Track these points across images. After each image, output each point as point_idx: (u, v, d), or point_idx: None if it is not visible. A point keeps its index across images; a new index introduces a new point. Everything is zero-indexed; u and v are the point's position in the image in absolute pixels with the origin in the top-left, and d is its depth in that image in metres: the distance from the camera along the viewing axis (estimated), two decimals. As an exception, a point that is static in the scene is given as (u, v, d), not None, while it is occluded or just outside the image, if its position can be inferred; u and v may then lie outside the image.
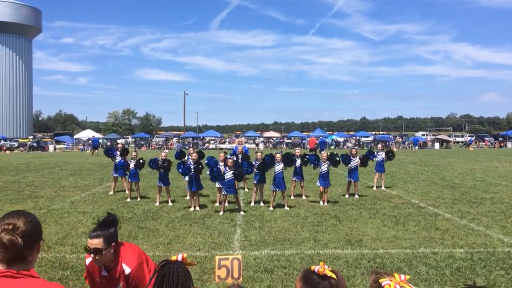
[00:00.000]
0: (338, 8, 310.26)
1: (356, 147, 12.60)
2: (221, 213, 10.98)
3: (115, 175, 14.60)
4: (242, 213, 10.99)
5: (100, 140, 63.00)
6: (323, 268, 1.98)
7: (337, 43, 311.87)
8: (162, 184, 12.47)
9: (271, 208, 11.57)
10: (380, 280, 1.92)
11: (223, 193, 11.33)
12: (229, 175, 11.14)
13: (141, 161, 13.62)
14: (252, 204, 12.28)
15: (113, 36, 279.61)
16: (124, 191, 14.44)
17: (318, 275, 1.95)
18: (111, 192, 14.64)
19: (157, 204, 12.37)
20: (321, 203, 12.31)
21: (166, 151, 14.08)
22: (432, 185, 16.59)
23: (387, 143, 58.66)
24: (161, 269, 2.16)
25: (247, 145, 29.91)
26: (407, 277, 1.93)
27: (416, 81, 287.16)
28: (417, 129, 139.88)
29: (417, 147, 53.02)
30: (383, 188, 15.47)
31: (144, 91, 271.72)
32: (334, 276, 1.94)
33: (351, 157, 13.83)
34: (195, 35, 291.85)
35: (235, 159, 12.40)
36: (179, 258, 2.16)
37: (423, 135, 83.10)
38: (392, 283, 1.89)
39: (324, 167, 12.46)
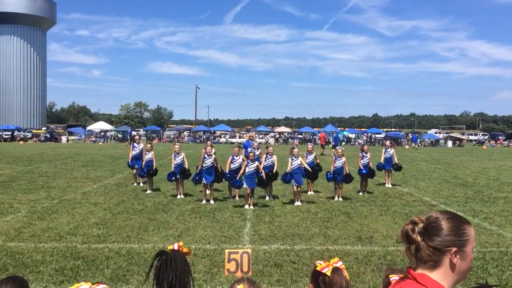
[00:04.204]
0: (353, 4, 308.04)
1: (368, 144, 12.60)
2: (250, 206, 11.01)
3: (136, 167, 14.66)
4: (252, 207, 10.98)
5: (112, 132, 63.59)
6: (321, 265, 2.11)
7: (351, 39, 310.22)
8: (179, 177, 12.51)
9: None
10: (390, 276, 1.92)
11: (244, 186, 11.19)
12: (251, 167, 11.10)
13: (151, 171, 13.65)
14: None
15: (128, 29, 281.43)
16: (139, 183, 14.59)
17: (317, 270, 2.11)
18: (135, 184, 14.75)
19: (179, 197, 12.47)
20: (336, 197, 12.36)
21: (178, 144, 14.10)
22: (444, 183, 16.42)
23: (399, 140, 58.30)
24: (159, 259, 2.12)
25: (257, 140, 29.77)
26: None
27: (430, 78, 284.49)
28: (430, 126, 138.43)
29: (414, 144, 53.31)
30: (389, 185, 15.28)
31: (156, 84, 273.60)
32: (328, 274, 2.06)
33: (363, 153, 13.80)
34: (209, 29, 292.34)
35: (256, 152, 12.34)
36: (175, 247, 2.12)
37: (436, 132, 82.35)
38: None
39: (338, 163, 12.40)
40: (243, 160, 11.88)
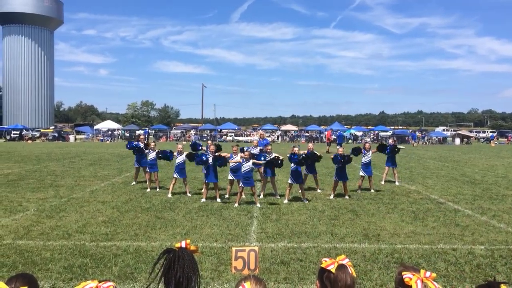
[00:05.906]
0: (360, 1, 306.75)
1: (370, 141, 12.80)
2: (236, 205, 11.01)
3: (137, 166, 14.80)
4: (258, 205, 10.99)
5: (120, 131, 63.85)
6: (326, 262, 2.12)
7: (358, 36, 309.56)
8: (179, 176, 12.54)
9: (285, 201, 11.56)
10: (403, 273, 1.92)
11: (240, 185, 11.33)
12: (246, 166, 11.12)
13: (161, 153, 13.72)
14: (261, 196, 12.25)
15: (134, 28, 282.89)
16: (145, 181, 14.60)
17: (323, 267, 2.12)
18: (134, 183, 14.83)
19: (189, 194, 12.58)
20: (346, 196, 12.34)
21: (184, 143, 14.17)
22: (452, 181, 16.32)
23: (406, 138, 57.98)
24: (166, 257, 2.12)
25: (269, 139, 29.64)
26: (433, 275, 1.92)
27: (437, 76, 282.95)
28: (437, 124, 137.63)
29: (414, 142, 53.47)
30: (396, 183, 15.24)
31: (163, 83, 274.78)
32: (332, 271, 2.07)
33: (365, 151, 13.67)
34: (216, 27, 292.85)
35: (252, 151, 12.38)
36: (183, 245, 2.13)
37: (444, 130, 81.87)
38: (414, 277, 1.89)
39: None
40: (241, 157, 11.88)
